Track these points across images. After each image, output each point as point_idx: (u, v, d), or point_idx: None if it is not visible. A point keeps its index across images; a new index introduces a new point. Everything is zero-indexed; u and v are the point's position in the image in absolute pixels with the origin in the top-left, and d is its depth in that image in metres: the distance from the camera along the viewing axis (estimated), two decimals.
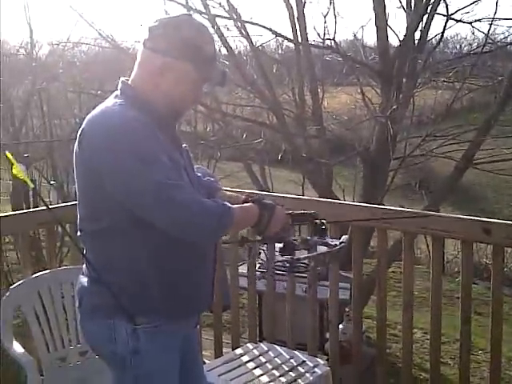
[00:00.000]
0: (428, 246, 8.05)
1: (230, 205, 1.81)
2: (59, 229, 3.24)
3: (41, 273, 2.89)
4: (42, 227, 3.53)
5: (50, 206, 2.65)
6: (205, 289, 2.03)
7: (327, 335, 3.91)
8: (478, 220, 2.92)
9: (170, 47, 1.83)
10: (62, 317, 2.81)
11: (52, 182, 8.24)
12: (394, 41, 6.64)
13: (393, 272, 7.64)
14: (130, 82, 1.91)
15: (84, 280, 1.97)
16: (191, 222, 1.73)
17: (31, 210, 3.24)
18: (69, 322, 2.82)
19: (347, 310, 4.19)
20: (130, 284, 1.87)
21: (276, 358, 3.05)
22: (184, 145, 2.01)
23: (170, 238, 1.79)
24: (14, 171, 2.04)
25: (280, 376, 2.88)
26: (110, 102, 1.86)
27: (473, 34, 7.08)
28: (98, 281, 1.89)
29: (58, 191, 8.02)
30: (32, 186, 2.25)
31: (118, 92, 1.90)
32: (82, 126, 1.83)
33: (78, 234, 1.96)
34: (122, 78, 1.92)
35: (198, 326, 2.38)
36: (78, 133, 1.83)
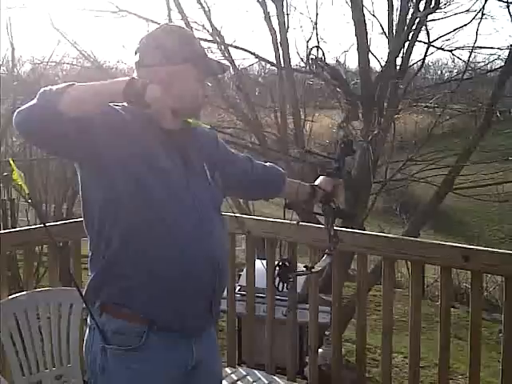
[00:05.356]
0: (409, 269, 8.07)
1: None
2: (36, 249, 3.20)
3: (17, 294, 2.84)
4: (18, 248, 3.47)
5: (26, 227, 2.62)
6: (188, 305, 1.85)
7: (307, 359, 3.89)
8: (457, 246, 2.93)
9: (168, 55, 1.86)
10: (37, 339, 2.75)
11: (30, 201, 8.13)
12: (375, 66, 6.73)
13: (373, 295, 7.63)
14: None
15: None
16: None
17: (5, 231, 3.19)
18: (44, 345, 2.77)
19: (327, 333, 4.17)
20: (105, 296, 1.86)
21: (254, 383, 3.02)
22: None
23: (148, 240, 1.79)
24: (14, 177, 2.15)
25: None
26: None
27: (453, 61, 7.19)
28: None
29: (37, 211, 7.92)
30: (27, 191, 2.34)
31: None
32: None
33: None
34: None
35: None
36: None
